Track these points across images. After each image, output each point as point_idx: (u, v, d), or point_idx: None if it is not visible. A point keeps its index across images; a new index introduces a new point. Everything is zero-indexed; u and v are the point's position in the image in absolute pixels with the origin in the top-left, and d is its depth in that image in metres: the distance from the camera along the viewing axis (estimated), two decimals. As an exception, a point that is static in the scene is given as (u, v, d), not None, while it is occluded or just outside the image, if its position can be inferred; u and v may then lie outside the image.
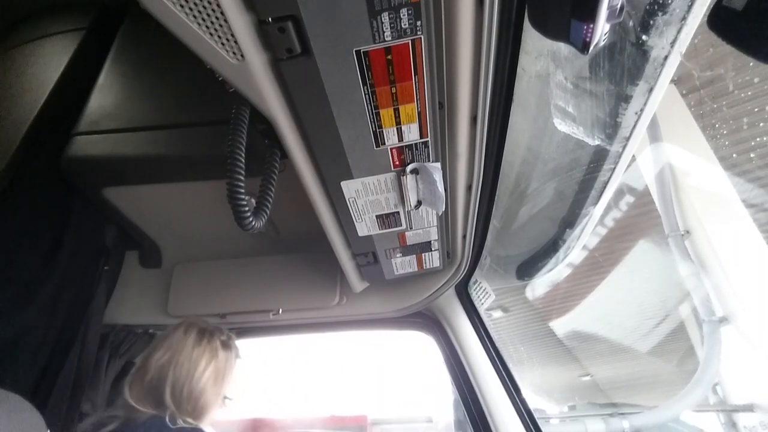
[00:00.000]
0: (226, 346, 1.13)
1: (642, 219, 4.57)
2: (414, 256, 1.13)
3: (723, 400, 3.97)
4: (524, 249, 1.56)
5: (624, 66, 0.85)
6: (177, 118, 1.10)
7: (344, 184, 0.86)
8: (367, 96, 0.68)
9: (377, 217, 0.96)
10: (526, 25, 0.63)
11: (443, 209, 0.92)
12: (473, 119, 0.76)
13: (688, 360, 4.74)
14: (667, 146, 3.95)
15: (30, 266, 1.11)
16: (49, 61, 1.25)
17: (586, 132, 0.99)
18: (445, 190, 0.88)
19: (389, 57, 0.63)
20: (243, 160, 0.73)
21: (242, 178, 0.73)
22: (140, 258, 1.50)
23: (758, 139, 4.14)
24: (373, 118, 0.72)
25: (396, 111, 0.72)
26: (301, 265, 1.42)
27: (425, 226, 1.01)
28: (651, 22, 0.76)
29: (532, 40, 0.75)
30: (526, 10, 0.62)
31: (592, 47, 0.54)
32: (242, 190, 0.73)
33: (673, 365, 5.29)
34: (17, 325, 1.07)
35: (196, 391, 1.03)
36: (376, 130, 0.75)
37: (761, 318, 3.68)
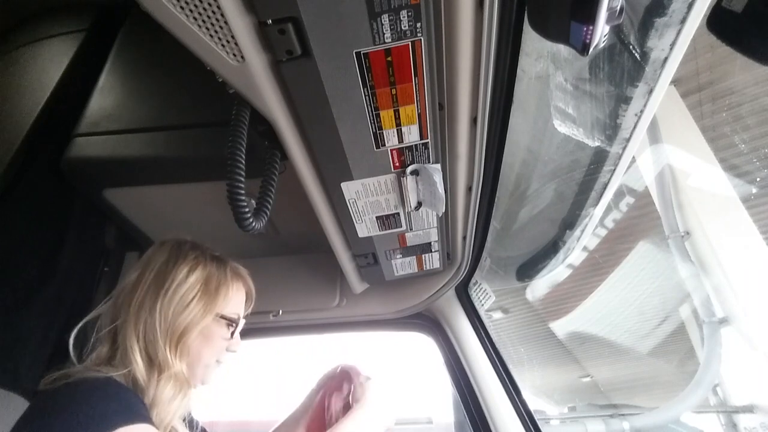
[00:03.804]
0: (220, 260, 0.91)
1: (642, 220, 4.57)
2: (414, 257, 1.13)
3: (723, 401, 3.97)
4: (524, 250, 1.56)
5: (624, 67, 0.85)
6: (177, 119, 1.10)
7: (344, 185, 0.86)
8: (367, 97, 0.68)
9: (377, 218, 0.96)
10: (526, 26, 0.63)
11: (443, 210, 0.92)
12: (473, 121, 0.76)
13: (688, 361, 4.74)
14: (667, 147, 3.95)
15: (30, 267, 1.11)
16: (50, 62, 1.26)
17: (586, 133, 0.99)
18: (445, 191, 0.88)
19: (389, 59, 0.63)
20: (243, 162, 0.73)
21: (242, 179, 0.73)
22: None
23: (758, 141, 4.14)
24: (374, 119, 0.72)
25: (396, 112, 0.72)
26: (301, 267, 1.41)
27: (425, 227, 1.01)
28: (651, 23, 0.76)
29: (532, 41, 0.75)
30: (525, 12, 0.62)
31: (591, 49, 0.54)
32: (242, 191, 0.73)
33: (673, 366, 5.29)
34: (18, 325, 1.07)
35: (182, 303, 0.80)
36: (376, 131, 0.75)
37: (761, 319, 3.68)
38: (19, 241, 1.10)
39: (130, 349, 0.76)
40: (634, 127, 0.95)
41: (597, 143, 1.01)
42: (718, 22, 0.60)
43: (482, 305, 1.47)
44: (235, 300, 0.89)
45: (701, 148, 4.03)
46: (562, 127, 0.98)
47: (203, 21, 0.59)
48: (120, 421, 0.64)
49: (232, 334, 0.87)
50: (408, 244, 1.07)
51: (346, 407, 1.01)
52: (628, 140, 1.00)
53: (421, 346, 1.54)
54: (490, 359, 1.36)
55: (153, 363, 0.77)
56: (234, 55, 0.62)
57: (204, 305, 0.82)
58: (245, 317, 0.93)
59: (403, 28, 0.60)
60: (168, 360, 0.77)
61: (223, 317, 0.85)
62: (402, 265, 1.16)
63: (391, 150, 0.79)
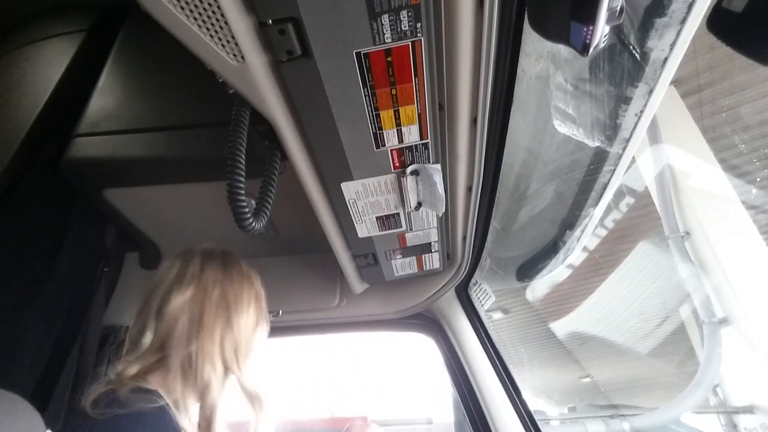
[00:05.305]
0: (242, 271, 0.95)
1: (642, 220, 4.57)
2: (414, 257, 1.13)
3: (723, 401, 3.97)
4: (524, 250, 1.56)
5: (624, 68, 0.85)
6: (177, 119, 1.10)
7: (344, 185, 0.86)
8: (367, 98, 0.68)
9: (377, 218, 0.96)
10: (526, 26, 0.63)
11: (443, 211, 0.92)
12: (473, 121, 0.76)
13: (688, 361, 4.74)
14: (667, 148, 3.95)
15: (31, 267, 1.11)
16: (50, 62, 1.26)
17: (586, 134, 0.99)
18: (445, 191, 0.88)
19: (389, 59, 0.63)
20: (243, 162, 0.73)
21: (242, 179, 0.73)
22: (140, 259, 1.50)
23: (758, 141, 4.15)
24: (374, 119, 0.72)
25: (396, 113, 0.72)
26: (301, 267, 1.41)
27: (425, 227, 1.01)
28: (651, 23, 0.76)
29: (532, 41, 0.75)
30: (526, 12, 0.62)
31: (591, 49, 0.54)
32: (242, 192, 0.73)
33: (673, 367, 5.29)
34: (18, 325, 1.07)
35: (247, 332, 0.87)
36: (376, 131, 0.75)
37: (761, 319, 3.68)
38: (19, 241, 1.10)
39: (209, 366, 0.81)
40: (634, 128, 0.95)
41: (597, 143, 1.01)
42: (718, 22, 0.60)
43: (482, 305, 1.47)
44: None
45: (701, 148, 4.03)
46: (562, 128, 0.98)
47: (203, 21, 0.59)
48: None
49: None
50: (408, 245, 1.07)
51: None
52: (628, 140, 0.99)
53: (421, 346, 1.54)
54: (490, 359, 1.36)
55: (226, 377, 0.84)
56: (234, 55, 0.62)
57: (258, 319, 0.93)
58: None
59: (403, 28, 0.60)
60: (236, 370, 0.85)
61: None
62: (402, 266, 1.16)
63: (391, 150, 0.79)
